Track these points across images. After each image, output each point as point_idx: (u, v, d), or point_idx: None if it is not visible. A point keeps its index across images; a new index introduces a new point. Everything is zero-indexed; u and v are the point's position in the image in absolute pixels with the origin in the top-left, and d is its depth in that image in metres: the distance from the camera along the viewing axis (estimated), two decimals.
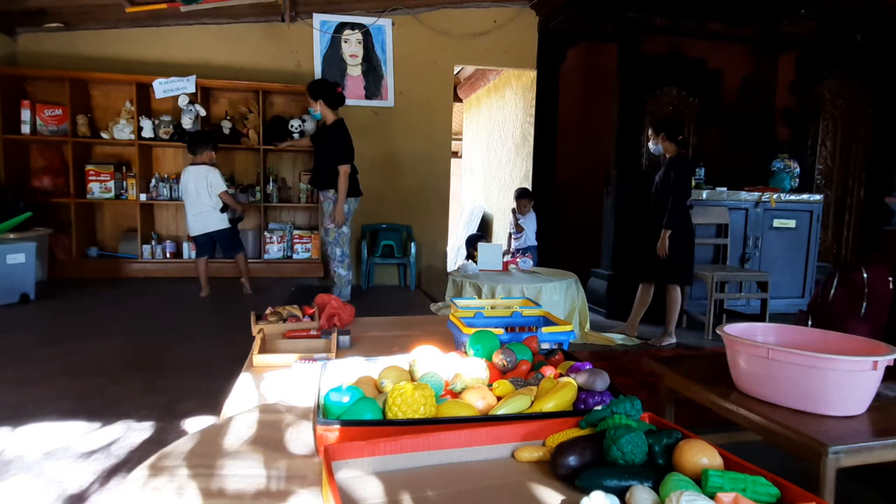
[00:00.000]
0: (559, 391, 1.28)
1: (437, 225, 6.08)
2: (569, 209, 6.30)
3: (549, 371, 1.44)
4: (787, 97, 6.06)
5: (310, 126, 5.40)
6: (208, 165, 4.54)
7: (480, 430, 1.14)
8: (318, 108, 4.37)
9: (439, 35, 5.72)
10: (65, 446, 2.14)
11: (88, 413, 2.41)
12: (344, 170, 4.30)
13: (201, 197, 4.49)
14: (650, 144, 4.26)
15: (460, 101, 9.37)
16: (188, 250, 5.39)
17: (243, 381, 1.69)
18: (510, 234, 5.77)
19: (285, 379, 1.68)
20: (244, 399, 1.57)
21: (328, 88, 4.36)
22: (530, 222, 5.59)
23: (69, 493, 1.85)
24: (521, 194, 5.66)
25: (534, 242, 5.60)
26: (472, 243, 5.65)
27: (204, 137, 4.66)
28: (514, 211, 5.69)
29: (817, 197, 5.22)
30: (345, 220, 4.43)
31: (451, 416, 1.22)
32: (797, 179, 5.39)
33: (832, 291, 3.28)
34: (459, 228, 8.86)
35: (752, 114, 5.94)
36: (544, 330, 1.85)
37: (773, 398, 1.72)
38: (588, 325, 4.33)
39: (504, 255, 4.92)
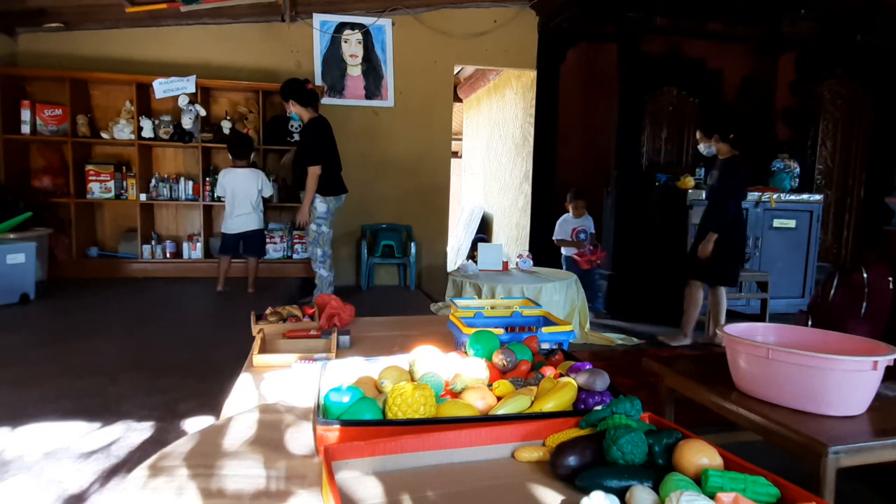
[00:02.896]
0: (559, 391, 1.28)
1: (437, 225, 6.08)
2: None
3: (549, 371, 1.44)
4: (787, 97, 6.06)
5: None
6: (253, 169, 4.74)
7: (480, 430, 1.14)
8: (292, 109, 4.31)
9: (439, 35, 5.72)
10: (65, 446, 2.14)
11: (88, 413, 2.41)
12: (313, 171, 4.16)
13: (248, 199, 4.65)
14: (700, 147, 3.99)
15: (460, 101, 9.37)
16: (188, 250, 5.39)
17: (243, 381, 1.69)
18: (576, 242, 5.00)
19: (285, 379, 1.68)
20: (244, 399, 1.57)
21: (296, 87, 4.26)
22: (589, 227, 5.09)
23: (69, 493, 1.85)
24: (577, 195, 5.06)
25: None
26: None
27: (248, 142, 4.82)
28: (567, 218, 5.11)
29: (817, 197, 5.22)
30: (309, 220, 4.29)
31: (451, 416, 1.22)
32: (797, 179, 5.39)
33: (832, 291, 3.28)
34: (459, 228, 8.86)
35: (752, 114, 5.95)
36: (544, 330, 1.84)
37: (773, 398, 1.72)
38: (588, 325, 4.33)
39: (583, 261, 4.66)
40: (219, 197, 4.90)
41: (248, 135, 5.14)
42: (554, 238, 5.14)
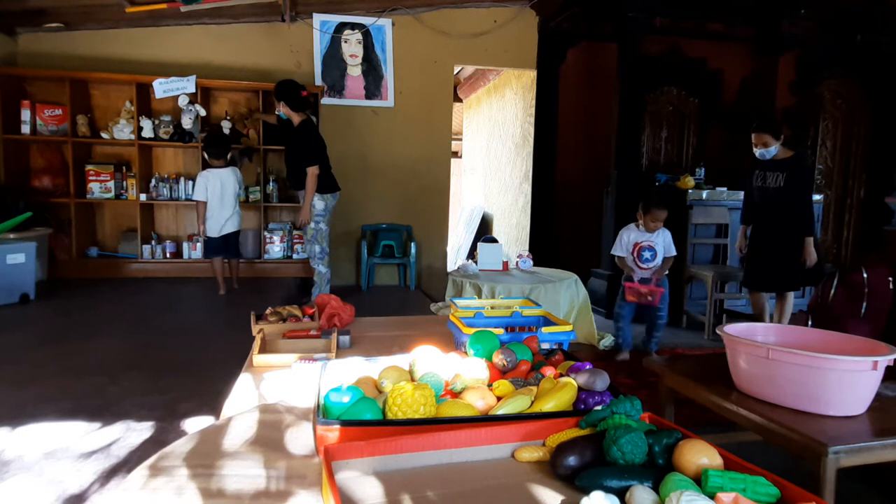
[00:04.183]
0: (559, 391, 1.28)
1: (437, 225, 6.07)
2: (569, 209, 6.30)
3: (549, 371, 1.44)
4: (787, 97, 6.06)
5: None
6: (232, 168, 4.73)
7: (480, 430, 1.14)
8: (282, 109, 4.35)
9: (439, 35, 5.72)
10: (65, 446, 2.14)
11: (88, 413, 2.41)
12: (312, 171, 4.26)
13: (233, 199, 4.66)
14: (765, 151, 3.78)
15: (460, 101, 9.37)
16: (188, 250, 5.39)
17: (243, 381, 1.69)
18: (633, 260, 3.77)
19: (285, 379, 1.68)
20: (244, 399, 1.57)
21: (291, 91, 4.32)
22: (662, 245, 3.78)
23: (69, 493, 1.85)
24: (655, 203, 3.73)
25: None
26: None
27: (224, 141, 4.81)
28: (636, 226, 3.82)
29: (817, 197, 5.21)
30: (310, 219, 4.37)
31: (451, 416, 1.22)
32: None
33: (832, 291, 3.28)
34: (459, 228, 8.86)
35: (752, 114, 5.94)
36: (544, 330, 1.85)
37: (773, 398, 1.72)
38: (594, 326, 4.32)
39: (642, 295, 3.61)
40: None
41: (224, 135, 5.14)
42: (613, 253, 3.94)
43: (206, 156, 4.68)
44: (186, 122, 5.13)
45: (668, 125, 6.19)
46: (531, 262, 4.62)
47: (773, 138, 3.77)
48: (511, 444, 1.16)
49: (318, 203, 4.37)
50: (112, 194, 5.22)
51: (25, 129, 4.99)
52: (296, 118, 4.35)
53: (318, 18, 5.51)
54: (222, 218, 4.63)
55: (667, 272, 3.74)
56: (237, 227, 4.75)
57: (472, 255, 5.44)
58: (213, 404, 2.32)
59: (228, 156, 4.76)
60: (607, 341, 4.19)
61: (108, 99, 5.32)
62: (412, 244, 5.72)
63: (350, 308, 2.33)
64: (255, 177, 5.48)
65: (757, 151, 3.84)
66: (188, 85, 5.04)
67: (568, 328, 1.84)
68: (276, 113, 4.54)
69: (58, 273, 5.00)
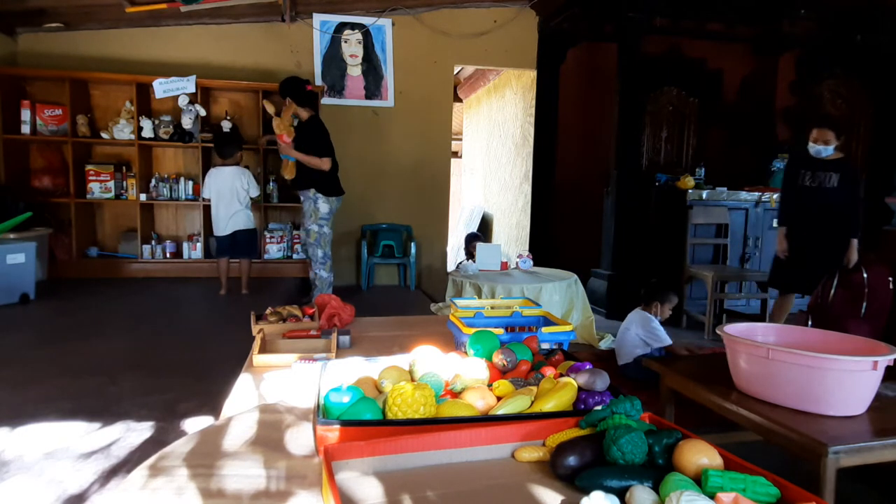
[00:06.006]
0: (559, 391, 1.28)
1: (437, 225, 6.07)
2: (569, 209, 6.30)
3: (549, 371, 1.44)
4: (787, 97, 6.07)
5: None
6: (239, 167, 4.69)
7: (480, 430, 1.14)
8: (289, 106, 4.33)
9: (439, 35, 5.72)
10: (65, 446, 2.14)
11: (88, 413, 2.41)
12: (324, 162, 4.22)
13: (237, 197, 4.63)
14: (824, 148, 3.70)
15: (460, 101, 9.37)
16: (188, 250, 5.39)
17: (243, 381, 1.69)
18: None
19: (285, 379, 1.68)
20: (244, 399, 1.57)
21: (296, 86, 4.29)
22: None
23: (69, 493, 1.85)
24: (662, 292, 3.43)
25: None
26: (471, 242, 5.42)
27: (234, 140, 4.81)
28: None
29: None
30: (289, 141, 4.25)
31: (451, 416, 1.22)
32: None
33: (832, 291, 3.28)
34: (459, 228, 8.86)
35: (752, 114, 5.95)
36: (544, 330, 1.85)
37: (773, 398, 1.72)
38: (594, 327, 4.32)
39: None
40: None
41: (233, 133, 5.12)
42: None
43: (217, 155, 4.69)
44: (186, 122, 5.13)
45: (668, 125, 6.19)
46: (531, 262, 4.62)
47: (835, 137, 3.72)
48: (511, 444, 1.16)
49: (323, 206, 4.33)
50: (112, 194, 5.22)
51: (25, 129, 4.99)
52: (303, 114, 4.32)
53: (318, 18, 5.51)
54: (225, 216, 4.61)
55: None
56: (244, 226, 4.68)
57: (468, 251, 5.38)
58: (213, 404, 2.32)
59: (237, 154, 4.75)
60: (607, 341, 4.19)
61: (108, 99, 5.32)
62: (412, 244, 5.72)
63: (350, 308, 2.33)
64: (256, 177, 5.46)
65: (813, 148, 3.75)
66: (188, 85, 5.04)
67: (568, 328, 1.84)
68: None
69: (58, 273, 5.00)
